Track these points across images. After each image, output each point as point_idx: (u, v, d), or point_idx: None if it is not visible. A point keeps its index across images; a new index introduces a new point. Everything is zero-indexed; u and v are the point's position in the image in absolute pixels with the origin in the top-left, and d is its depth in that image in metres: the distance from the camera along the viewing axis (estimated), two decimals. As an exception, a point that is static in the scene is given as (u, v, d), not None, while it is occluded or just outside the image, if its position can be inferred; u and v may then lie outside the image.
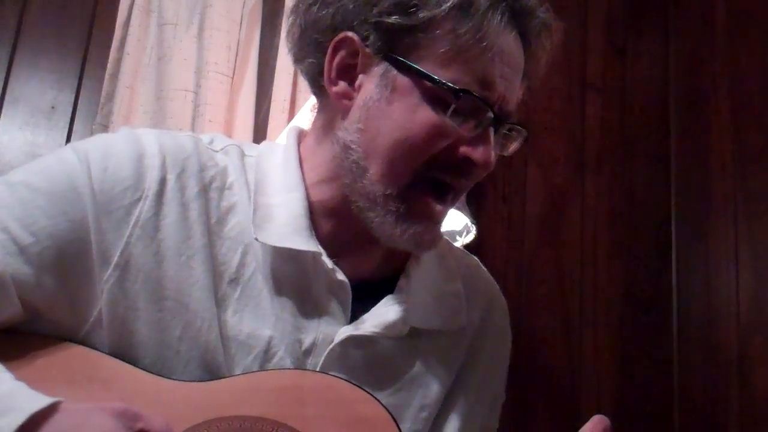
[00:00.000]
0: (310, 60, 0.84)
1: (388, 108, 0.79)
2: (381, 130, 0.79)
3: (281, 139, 0.95)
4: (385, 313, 0.84)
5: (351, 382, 0.76)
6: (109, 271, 0.75)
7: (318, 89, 0.86)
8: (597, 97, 2.24)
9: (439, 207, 0.82)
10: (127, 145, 0.78)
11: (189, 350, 0.76)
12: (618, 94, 2.26)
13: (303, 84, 1.94)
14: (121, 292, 0.75)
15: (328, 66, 0.81)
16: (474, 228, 1.67)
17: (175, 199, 0.78)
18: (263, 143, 0.92)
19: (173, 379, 0.75)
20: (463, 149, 0.79)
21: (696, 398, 1.98)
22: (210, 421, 0.72)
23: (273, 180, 0.84)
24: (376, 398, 0.74)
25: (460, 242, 1.71)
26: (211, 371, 0.77)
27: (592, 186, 2.17)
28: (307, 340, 0.80)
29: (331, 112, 0.85)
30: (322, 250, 0.81)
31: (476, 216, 1.71)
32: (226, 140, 0.88)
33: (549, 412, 1.99)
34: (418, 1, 0.77)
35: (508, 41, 0.80)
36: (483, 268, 1.02)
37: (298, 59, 0.87)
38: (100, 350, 0.76)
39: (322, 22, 0.82)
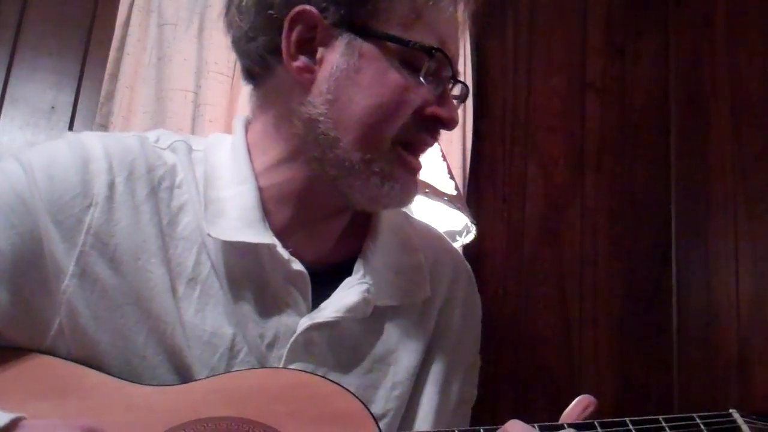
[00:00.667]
0: (263, 38, 0.82)
1: (357, 76, 0.79)
2: (352, 99, 0.79)
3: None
4: (345, 296, 0.83)
5: (325, 378, 0.76)
6: (65, 281, 0.75)
7: (265, 69, 0.84)
8: (597, 97, 2.24)
9: (416, 161, 0.84)
10: (72, 151, 0.78)
11: (155, 355, 0.76)
12: (618, 94, 2.26)
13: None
14: (80, 301, 0.75)
15: (287, 42, 0.80)
16: (474, 228, 1.67)
17: (125, 202, 0.77)
18: (211, 135, 0.90)
19: (145, 385, 0.74)
20: (431, 109, 0.81)
21: (696, 398, 1.98)
22: (185, 424, 0.72)
23: (222, 173, 0.83)
24: (350, 391, 0.74)
25: (460, 242, 1.71)
26: (180, 373, 0.76)
27: (592, 186, 2.17)
28: (269, 334, 0.80)
29: (286, 90, 0.83)
30: (276, 242, 0.80)
31: (476, 216, 1.71)
32: (172, 136, 0.87)
33: (549, 412, 1.99)
34: None
35: (455, 4, 0.83)
36: (445, 238, 1.02)
37: (247, 38, 0.84)
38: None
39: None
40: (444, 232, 1.68)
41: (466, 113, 1.99)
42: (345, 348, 0.84)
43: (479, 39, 2.14)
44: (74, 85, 1.90)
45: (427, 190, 1.48)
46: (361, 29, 0.79)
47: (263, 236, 0.80)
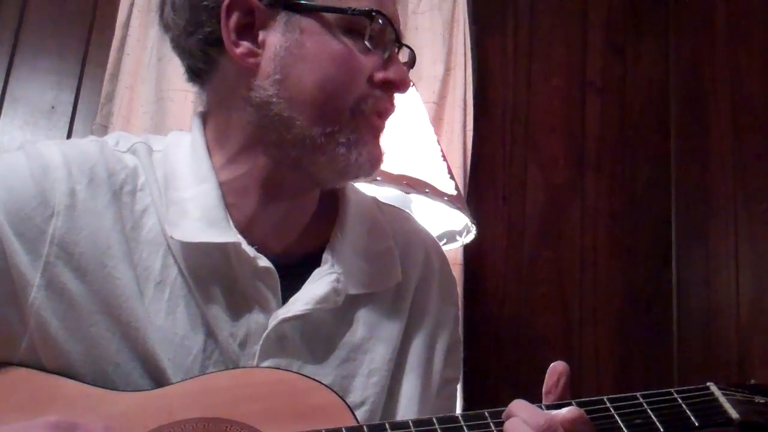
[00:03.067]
0: (202, 30, 0.81)
1: (301, 52, 0.78)
2: (300, 76, 0.78)
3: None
4: (315, 288, 0.82)
5: (300, 374, 0.75)
6: (32, 294, 0.74)
7: (209, 64, 0.84)
8: (597, 97, 2.24)
9: (381, 123, 0.83)
10: (30, 161, 0.77)
11: (128, 361, 0.75)
12: (618, 94, 2.26)
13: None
14: (49, 312, 0.74)
15: (226, 30, 0.79)
16: (474, 228, 1.66)
17: (87, 209, 0.77)
18: (170, 133, 0.89)
19: (121, 391, 0.74)
20: (380, 74, 0.81)
21: (696, 398, 1.98)
22: (161, 427, 0.71)
23: (182, 173, 0.82)
24: (325, 385, 0.74)
25: (460, 242, 1.71)
26: (154, 378, 0.76)
27: (592, 186, 2.17)
28: (240, 333, 0.79)
29: (233, 80, 0.82)
30: (241, 239, 0.79)
31: (476, 216, 1.71)
32: (132, 138, 0.86)
33: (549, 412, 1.99)
34: None
35: None
36: (415, 220, 1.01)
37: (186, 34, 0.83)
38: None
39: None
40: (444, 232, 1.69)
41: (466, 113, 1.99)
42: (318, 340, 0.82)
43: (479, 39, 2.14)
44: (74, 85, 1.90)
45: (427, 190, 1.48)
46: (298, 5, 0.79)
47: (227, 235, 0.79)
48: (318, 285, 0.82)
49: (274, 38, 0.79)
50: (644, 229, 2.17)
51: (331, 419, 0.71)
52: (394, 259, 0.91)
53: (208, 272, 0.79)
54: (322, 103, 0.79)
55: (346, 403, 0.73)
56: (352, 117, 0.80)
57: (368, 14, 0.78)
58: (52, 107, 1.87)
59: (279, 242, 0.84)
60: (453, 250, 1.80)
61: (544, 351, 2.03)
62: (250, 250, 0.79)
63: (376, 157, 0.82)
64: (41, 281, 0.74)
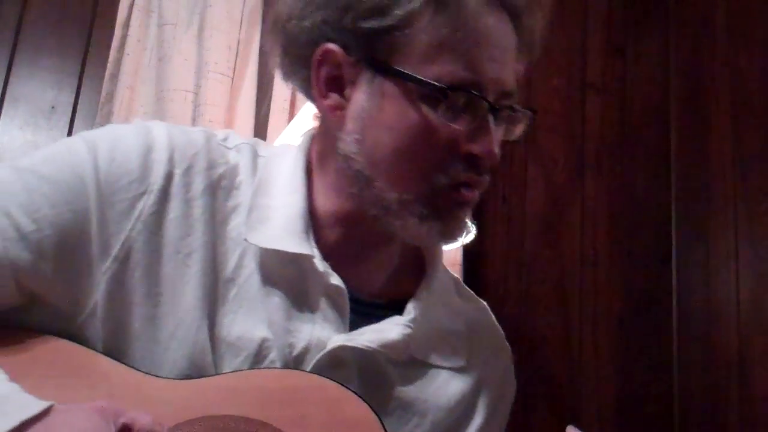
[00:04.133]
0: (299, 75, 0.83)
1: (380, 116, 0.77)
2: (378, 140, 0.77)
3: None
4: (388, 330, 0.81)
5: (338, 383, 0.74)
6: (107, 263, 0.74)
7: (312, 99, 0.85)
8: (597, 97, 2.24)
9: (462, 199, 0.79)
10: (137, 138, 0.77)
11: (178, 348, 0.75)
12: (618, 94, 2.26)
13: (303, 84, 1.94)
14: (118, 284, 0.75)
15: (315, 81, 0.80)
16: (474, 228, 1.66)
17: (179, 195, 0.77)
18: (280, 144, 0.90)
19: (159, 377, 0.74)
20: (465, 146, 0.77)
21: (696, 398, 1.98)
22: (193, 420, 0.71)
23: (277, 182, 0.83)
24: (363, 399, 0.73)
25: (460, 242, 1.70)
26: (199, 370, 0.76)
27: (592, 186, 2.17)
28: (299, 345, 0.78)
29: (329, 122, 0.83)
30: (315, 253, 0.79)
31: (476, 216, 1.71)
32: (240, 139, 0.86)
33: (549, 412, 1.99)
34: (390, 0, 0.75)
35: (491, 22, 0.77)
36: (490, 313, 0.99)
37: (286, 76, 0.85)
38: (93, 342, 0.75)
39: (302, 37, 0.80)
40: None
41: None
42: (372, 382, 0.81)
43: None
44: (74, 85, 1.90)
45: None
46: (381, 66, 0.76)
47: (302, 247, 0.79)
48: (391, 329, 0.81)
49: (358, 96, 0.78)
50: (644, 229, 2.17)
51: None
52: (462, 343, 0.90)
53: (280, 280, 0.79)
54: (398, 170, 0.77)
55: (380, 419, 0.72)
56: (429, 189, 0.77)
57: (442, 91, 0.74)
58: (52, 107, 1.87)
59: (360, 283, 0.83)
60: (453, 250, 1.81)
61: (544, 351, 2.03)
62: (322, 265, 0.79)
63: (451, 232, 0.80)
64: (118, 253, 0.75)
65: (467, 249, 1.89)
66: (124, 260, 0.75)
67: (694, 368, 2.01)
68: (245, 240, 0.78)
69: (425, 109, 0.75)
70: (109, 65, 1.85)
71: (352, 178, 0.79)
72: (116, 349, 0.75)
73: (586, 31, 2.28)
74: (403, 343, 0.82)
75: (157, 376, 0.74)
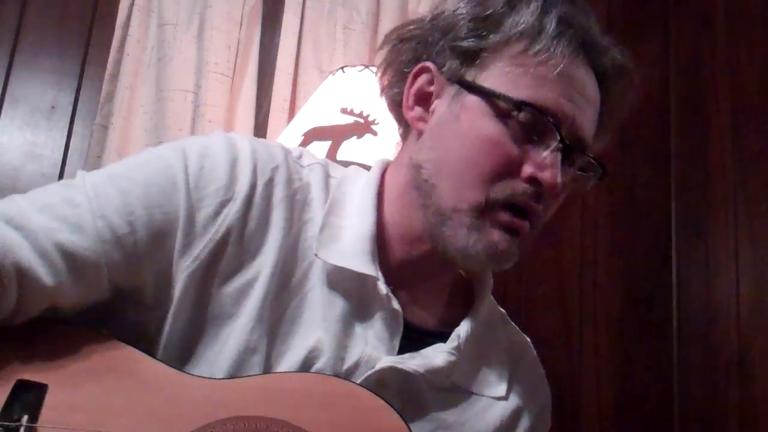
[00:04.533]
0: (395, 90, 0.89)
1: (456, 125, 0.82)
2: (450, 147, 0.82)
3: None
4: (433, 356, 0.84)
5: (373, 392, 0.75)
6: (188, 261, 0.78)
7: (401, 119, 0.91)
8: (597, 97, 2.24)
9: (514, 220, 0.81)
10: (223, 148, 0.82)
11: (223, 345, 0.78)
12: (618, 94, 2.26)
13: (303, 84, 1.94)
14: (196, 283, 0.78)
15: (407, 93, 0.87)
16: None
17: (260, 205, 0.81)
18: (351, 167, 0.95)
19: (195, 376, 0.75)
20: (529, 169, 0.80)
21: (696, 398, 1.98)
22: (225, 419, 0.72)
23: (349, 203, 0.87)
24: (396, 410, 0.74)
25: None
26: (244, 370, 0.78)
27: (592, 186, 2.17)
28: (350, 360, 0.81)
29: (409, 138, 0.89)
30: (380, 276, 0.82)
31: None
32: (313, 157, 0.91)
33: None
34: (493, 24, 0.81)
35: (577, 70, 0.82)
36: (533, 349, 1.01)
37: (383, 90, 0.92)
38: (168, 337, 0.78)
39: (406, 55, 0.88)
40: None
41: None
42: (413, 406, 0.83)
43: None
44: (74, 85, 1.90)
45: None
46: (467, 82, 0.83)
47: (368, 268, 0.82)
48: (436, 355, 0.84)
49: (442, 108, 0.85)
50: (644, 229, 2.17)
51: None
52: (504, 374, 0.92)
53: (341, 296, 0.83)
54: (460, 178, 0.81)
55: (410, 430, 0.73)
56: (483, 200, 0.80)
57: (517, 104, 0.79)
58: (52, 107, 1.87)
59: (415, 309, 0.87)
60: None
61: (544, 351, 2.02)
62: (384, 288, 0.82)
63: (494, 251, 0.81)
64: (200, 253, 0.78)
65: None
66: (205, 262, 0.78)
67: (694, 368, 2.01)
68: (315, 255, 0.82)
69: (498, 123, 0.80)
70: (109, 65, 1.85)
71: (420, 188, 0.84)
72: (186, 349, 0.78)
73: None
74: (447, 370, 0.85)
75: (192, 375, 0.75)
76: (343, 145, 1.52)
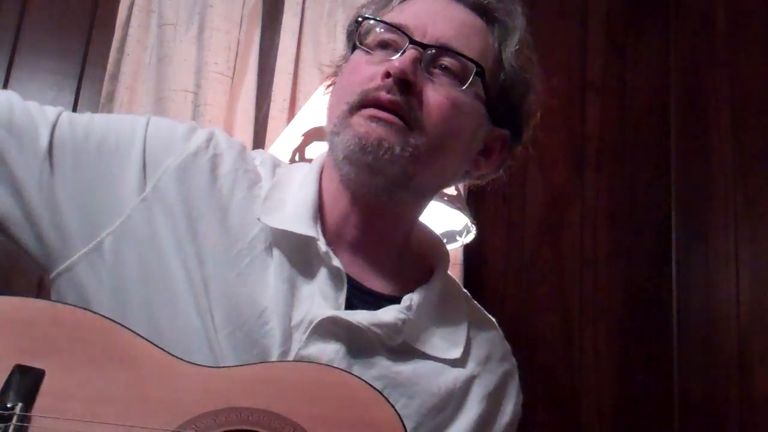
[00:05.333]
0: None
1: (340, 77, 0.94)
2: (333, 95, 0.93)
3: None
4: (382, 313, 0.86)
5: (366, 382, 0.76)
6: (131, 206, 0.84)
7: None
8: (597, 97, 2.24)
9: (374, 111, 0.85)
10: (186, 125, 0.92)
11: (185, 304, 0.81)
12: (618, 94, 2.26)
13: (303, 84, 1.94)
14: (144, 217, 0.83)
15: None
16: (474, 228, 1.66)
17: (205, 167, 0.88)
18: (299, 164, 1.02)
19: (190, 363, 0.76)
20: (378, 70, 0.86)
21: (696, 398, 1.98)
22: (217, 411, 0.72)
23: (293, 182, 0.93)
24: (390, 402, 0.74)
25: (460, 242, 1.71)
26: (203, 323, 0.80)
27: (592, 186, 2.17)
28: (297, 317, 0.83)
29: None
30: (320, 237, 0.86)
31: (476, 216, 1.71)
32: (265, 154, 0.98)
33: (549, 412, 1.99)
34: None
35: (432, 3, 0.91)
36: (497, 326, 1.01)
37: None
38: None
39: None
40: (444, 232, 1.69)
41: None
42: (363, 361, 0.84)
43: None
44: (74, 85, 1.90)
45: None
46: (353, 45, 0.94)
47: (308, 230, 0.86)
48: (386, 312, 0.87)
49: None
50: (644, 229, 2.17)
51: None
52: (460, 339, 0.92)
53: (288, 259, 0.86)
54: (331, 108, 0.91)
55: (403, 424, 0.73)
56: (347, 110, 0.87)
57: (355, 20, 0.92)
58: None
59: (362, 271, 0.90)
60: (453, 250, 1.80)
61: (544, 351, 2.03)
62: (324, 247, 0.86)
63: (361, 137, 0.84)
64: (149, 194, 0.85)
65: (467, 249, 1.90)
66: (154, 197, 0.84)
67: (694, 368, 2.01)
68: (258, 219, 0.86)
69: (360, 53, 0.90)
70: (109, 65, 1.85)
71: (328, 141, 0.91)
72: (120, 288, 0.82)
73: (586, 31, 2.28)
74: (396, 326, 0.86)
75: (188, 362, 0.76)
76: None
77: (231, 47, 1.91)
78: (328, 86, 1.00)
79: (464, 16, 0.91)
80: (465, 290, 1.03)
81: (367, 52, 0.89)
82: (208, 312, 0.81)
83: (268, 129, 1.88)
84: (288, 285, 0.85)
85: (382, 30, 0.89)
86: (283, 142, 1.60)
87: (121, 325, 0.76)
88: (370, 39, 0.90)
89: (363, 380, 0.76)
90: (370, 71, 0.87)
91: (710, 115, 2.09)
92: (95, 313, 0.77)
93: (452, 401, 0.89)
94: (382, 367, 0.85)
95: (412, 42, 0.86)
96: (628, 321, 2.10)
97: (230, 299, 0.82)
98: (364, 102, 0.85)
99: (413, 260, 0.96)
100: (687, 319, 2.07)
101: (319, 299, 0.85)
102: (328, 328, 0.83)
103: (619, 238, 2.15)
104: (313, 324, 0.82)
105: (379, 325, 0.85)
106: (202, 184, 0.87)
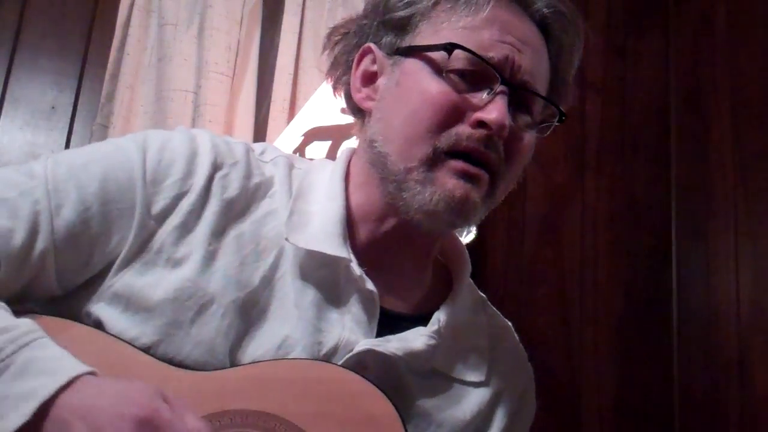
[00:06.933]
0: (345, 78, 0.90)
1: (398, 90, 0.83)
2: (393, 113, 0.83)
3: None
4: (413, 339, 0.83)
5: (362, 376, 0.75)
6: (141, 254, 0.78)
7: (353, 106, 0.91)
8: (597, 97, 2.24)
9: (467, 166, 0.80)
10: (183, 142, 0.82)
11: (198, 333, 0.77)
12: (618, 94, 2.26)
13: (303, 84, 1.94)
14: (147, 272, 0.78)
15: (353, 78, 0.88)
16: (474, 228, 1.67)
17: (216, 195, 0.81)
18: (318, 159, 0.95)
19: (182, 369, 0.75)
20: (474, 113, 0.80)
21: (696, 398, 1.98)
22: (211, 415, 0.71)
23: (317, 190, 0.87)
24: (385, 394, 0.73)
25: (465, 235, 1.71)
26: (217, 357, 0.77)
27: (592, 186, 2.17)
28: (328, 344, 0.80)
29: (365, 121, 0.89)
30: (352, 258, 0.82)
31: (476, 216, 1.71)
32: (277, 151, 0.91)
33: (549, 412, 1.99)
34: None
35: (506, 13, 0.83)
36: (513, 332, 1.01)
37: (336, 85, 0.93)
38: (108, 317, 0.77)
39: (348, 46, 0.90)
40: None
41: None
42: (393, 389, 0.80)
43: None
44: (74, 85, 1.89)
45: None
46: (403, 49, 0.84)
47: (340, 250, 0.81)
48: (416, 338, 0.84)
49: (383, 81, 0.86)
50: (644, 229, 2.17)
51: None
52: (483, 359, 0.91)
53: (314, 281, 0.82)
54: (405, 138, 0.81)
55: (401, 416, 0.72)
56: (431, 152, 0.80)
57: (445, 47, 0.80)
58: (52, 107, 1.87)
59: (387, 290, 0.85)
60: (453, 250, 1.80)
61: (544, 351, 2.03)
62: (357, 270, 0.81)
63: (451, 199, 0.79)
64: (154, 244, 0.79)
65: (467, 249, 1.89)
66: (157, 251, 0.79)
67: (694, 368, 2.01)
68: (286, 239, 0.81)
69: (435, 76, 0.81)
70: (109, 65, 1.85)
71: (376, 162, 0.84)
72: (134, 329, 0.77)
73: (586, 32, 2.28)
74: (427, 354, 0.84)
75: (175, 365, 0.75)
76: (343, 144, 1.52)
77: (231, 47, 1.91)
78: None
79: (533, 36, 0.85)
80: (480, 293, 1.00)
81: (448, 76, 0.81)
82: (226, 347, 0.77)
83: (268, 129, 1.88)
84: (315, 310, 0.81)
85: (469, 57, 0.80)
86: (283, 142, 1.60)
87: (109, 335, 0.75)
88: (455, 64, 0.80)
89: (358, 374, 0.75)
90: (455, 106, 0.80)
91: (710, 115, 2.09)
92: (82, 324, 0.76)
93: (479, 421, 0.89)
94: (411, 397, 0.84)
95: (504, 82, 0.80)
96: (628, 321, 2.10)
97: (251, 333, 0.78)
98: (455, 150, 0.80)
99: (435, 270, 0.93)
100: (687, 319, 2.07)
101: (351, 324, 0.81)
102: (361, 358, 0.80)
103: (619, 238, 2.15)
104: (348, 356, 0.79)
105: (411, 354, 0.82)
106: (212, 214, 0.81)
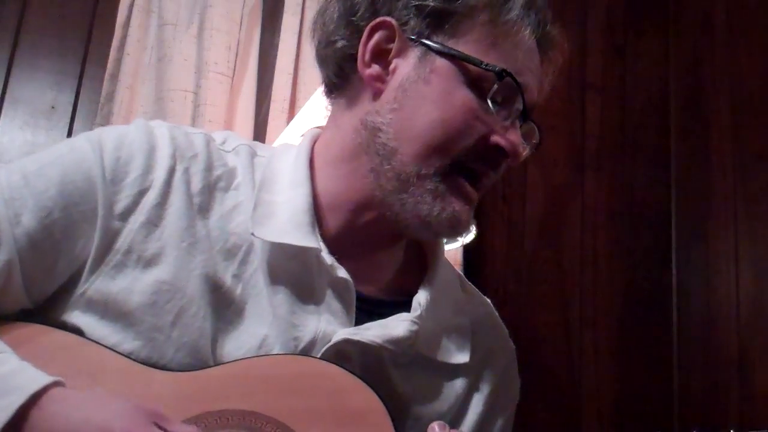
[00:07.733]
0: (342, 43, 0.84)
1: (425, 89, 0.80)
2: (418, 111, 0.80)
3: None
4: (393, 326, 0.81)
5: (345, 368, 0.74)
6: (109, 256, 0.76)
7: (342, 79, 0.86)
8: (597, 97, 2.24)
9: (472, 191, 0.82)
10: (140, 136, 0.80)
11: (180, 336, 0.75)
12: (618, 94, 2.26)
13: (303, 84, 1.94)
14: (118, 275, 0.76)
15: (363, 49, 0.82)
16: (474, 228, 1.66)
17: (179, 189, 0.79)
18: (280, 144, 0.91)
19: (162, 370, 0.74)
20: (495, 137, 0.80)
21: (696, 398, 1.98)
22: (195, 417, 0.70)
23: (281, 178, 0.84)
24: (370, 386, 0.72)
25: (460, 242, 1.71)
26: (201, 359, 0.75)
27: (592, 186, 2.17)
28: (305, 338, 0.78)
29: (357, 96, 0.84)
30: (322, 246, 0.80)
31: (476, 216, 1.71)
32: (238, 140, 0.88)
33: (549, 412, 1.99)
34: None
35: (532, 43, 0.83)
36: (494, 310, 0.99)
37: (327, 43, 0.87)
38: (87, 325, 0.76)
39: (362, 7, 0.83)
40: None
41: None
42: (373, 379, 0.78)
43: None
44: (74, 85, 1.90)
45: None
46: (437, 45, 0.80)
47: (309, 240, 0.79)
48: (397, 325, 0.81)
49: (405, 69, 0.81)
50: (644, 229, 2.17)
51: (369, 427, 0.70)
52: (466, 339, 0.90)
53: (285, 275, 0.80)
54: (428, 143, 0.79)
55: (388, 409, 0.71)
56: (450, 167, 0.80)
57: (499, 74, 0.78)
58: (52, 107, 1.87)
59: (363, 277, 0.83)
60: (453, 250, 1.81)
61: (544, 351, 2.03)
62: (329, 258, 0.79)
63: (458, 222, 0.80)
64: (121, 245, 0.76)
65: (467, 249, 1.90)
66: (126, 252, 0.76)
67: (694, 368, 2.01)
68: (252, 234, 0.79)
69: (471, 89, 0.79)
70: (109, 65, 1.85)
71: (374, 151, 0.81)
72: (115, 337, 0.75)
73: (586, 31, 2.28)
74: (409, 340, 0.81)
75: (159, 368, 0.74)
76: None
77: (231, 47, 1.91)
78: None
79: (539, 61, 0.85)
80: (457, 270, 0.98)
81: (472, 91, 0.80)
82: (204, 353, 0.76)
83: (268, 129, 1.88)
84: (289, 305, 0.79)
85: (512, 86, 0.80)
86: (283, 142, 1.60)
87: (89, 340, 0.74)
88: (499, 89, 0.79)
89: (342, 368, 0.74)
90: (482, 123, 0.80)
91: (710, 115, 2.09)
92: (62, 331, 0.76)
93: (457, 407, 0.88)
94: (391, 388, 0.82)
95: (525, 118, 0.82)
96: (628, 321, 2.10)
97: (229, 334, 0.77)
98: (464, 165, 0.80)
99: (407, 246, 0.91)
100: (687, 319, 2.07)
101: (327, 315, 0.79)
102: (341, 349, 0.78)
103: (619, 238, 2.15)
104: (326, 348, 0.77)
105: (392, 341, 0.80)
106: (178, 210, 0.78)
